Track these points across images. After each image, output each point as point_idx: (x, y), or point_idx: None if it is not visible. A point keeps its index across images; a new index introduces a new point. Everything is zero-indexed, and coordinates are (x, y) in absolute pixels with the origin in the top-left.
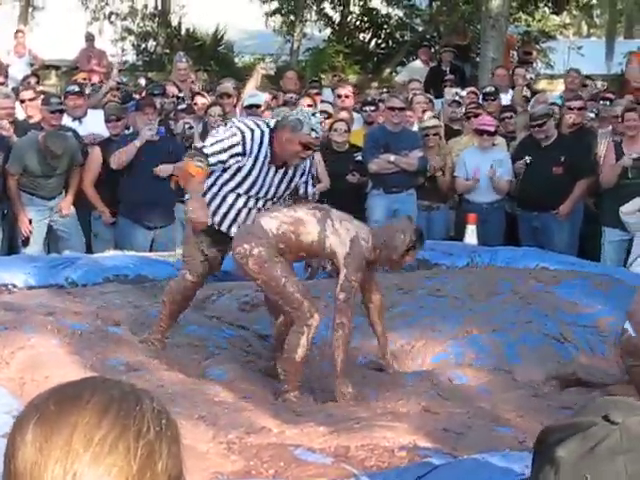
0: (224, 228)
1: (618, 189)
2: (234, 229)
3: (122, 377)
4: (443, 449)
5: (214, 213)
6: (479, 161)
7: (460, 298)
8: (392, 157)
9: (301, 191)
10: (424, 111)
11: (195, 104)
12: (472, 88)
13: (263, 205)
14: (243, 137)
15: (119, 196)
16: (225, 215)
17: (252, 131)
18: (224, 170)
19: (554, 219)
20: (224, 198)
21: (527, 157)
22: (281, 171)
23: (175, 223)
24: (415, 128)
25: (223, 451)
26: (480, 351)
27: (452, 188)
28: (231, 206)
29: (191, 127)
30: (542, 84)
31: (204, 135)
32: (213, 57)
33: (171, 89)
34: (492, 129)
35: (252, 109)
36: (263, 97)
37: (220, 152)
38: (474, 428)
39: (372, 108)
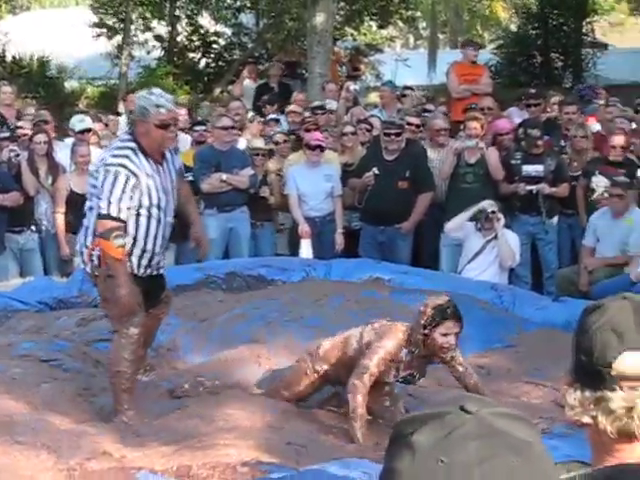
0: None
1: (458, 193)
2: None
3: None
4: (286, 463)
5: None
6: (308, 176)
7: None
8: (224, 176)
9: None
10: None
11: (19, 136)
12: (293, 107)
13: (163, 213)
14: (124, 166)
15: None
16: (135, 241)
17: (125, 157)
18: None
19: (399, 234)
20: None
21: (374, 169)
22: (161, 168)
23: (6, 252)
24: (242, 146)
25: (64, 479)
26: None
27: (282, 205)
28: (137, 229)
29: (17, 155)
30: (372, 97)
31: (31, 162)
32: (40, 83)
33: None
34: (323, 144)
35: (83, 134)
36: (90, 121)
37: (123, 200)
38: (318, 441)
39: (202, 128)
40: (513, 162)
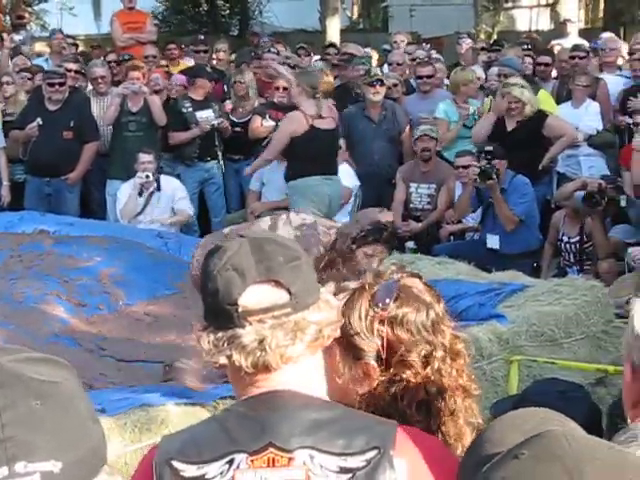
0: None
1: (122, 142)
2: None
3: None
4: None
5: None
6: None
7: None
8: None
9: None
10: None
11: None
12: None
13: None
14: None
15: None
16: None
17: None
18: None
19: (66, 185)
20: None
21: (38, 119)
22: None
23: None
24: None
25: None
26: None
27: None
28: None
29: None
30: (39, 46)
31: None
32: None
33: None
34: None
35: None
36: None
37: None
38: None
39: None
40: (184, 110)
